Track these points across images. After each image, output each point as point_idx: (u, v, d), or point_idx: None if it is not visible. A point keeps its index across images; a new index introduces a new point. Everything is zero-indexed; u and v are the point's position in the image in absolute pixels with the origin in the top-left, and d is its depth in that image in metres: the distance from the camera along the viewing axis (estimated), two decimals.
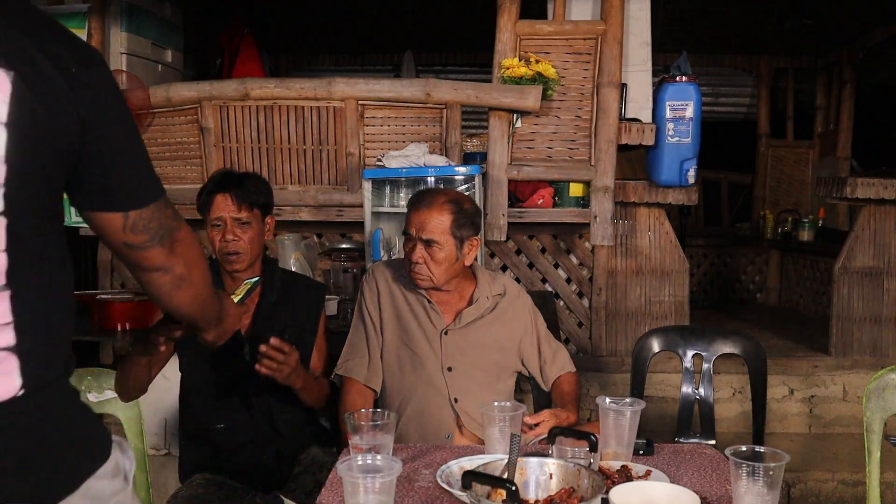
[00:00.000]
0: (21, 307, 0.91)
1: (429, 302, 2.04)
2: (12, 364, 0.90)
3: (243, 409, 2.00)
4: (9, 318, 0.89)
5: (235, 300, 1.54)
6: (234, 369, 1.97)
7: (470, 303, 2.06)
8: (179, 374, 2.09)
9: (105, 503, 1.00)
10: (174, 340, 1.47)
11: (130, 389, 1.77)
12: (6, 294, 0.89)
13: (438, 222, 1.94)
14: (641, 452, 1.62)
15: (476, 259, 2.10)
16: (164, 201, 1.06)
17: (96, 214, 1.00)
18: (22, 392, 0.91)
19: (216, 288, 1.27)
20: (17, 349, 0.91)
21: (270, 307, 2.06)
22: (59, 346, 0.97)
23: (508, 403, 1.63)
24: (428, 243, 1.94)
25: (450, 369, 2.01)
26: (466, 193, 3.21)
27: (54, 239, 0.96)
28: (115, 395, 1.77)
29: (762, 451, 1.29)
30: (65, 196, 1.00)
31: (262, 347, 1.80)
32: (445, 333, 2.02)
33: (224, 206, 1.99)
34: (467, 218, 1.98)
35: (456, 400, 2.00)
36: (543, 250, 3.70)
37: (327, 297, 2.96)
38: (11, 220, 0.88)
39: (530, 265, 3.70)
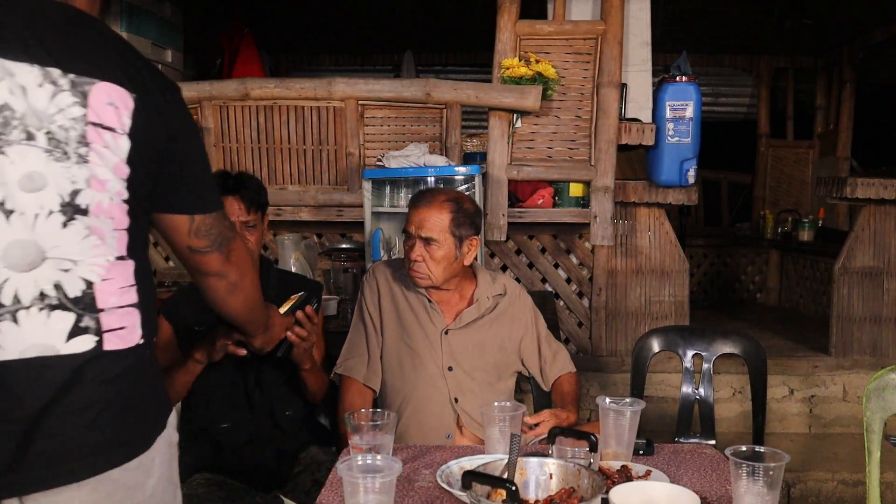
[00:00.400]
0: (137, 274, 1.13)
1: (429, 301, 2.04)
2: (136, 318, 1.12)
3: (245, 408, 2.00)
4: (132, 281, 1.12)
5: (282, 311, 1.70)
6: (236, 368, 1.99)
7: (470, 303, 2.06)
8: None
9: (168, 454, 1.18)
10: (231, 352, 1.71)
11: (175, 396, 1.83)
12: (130, 263, 1.12)
13: (437, 220, 1.94)
14: (641, 452, 1.62)
15: (476, 259, 2.10)
16: (222, 213, 1.26)
17: (166, 216, 1.19)
18: (142, 341, 1.13)
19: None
20: (139, 306, 1.13)
21: None
22: (154, 308, 1.18)
23: (508, 403, 1.63)
24: (427, 241, 1.94)
25: (450, 369, 2.01)
26: (467, 192, 3.22)
27: (147, 226, 1.18)
28: None
29: (762, 451, 1.29)
30: None
31: (299, 314, 1.82)
32: (446, 333, 2.03)
33: (233, 210, 1.99)
34: (467, 217, 1.98)
35: (456, 400, 2.00)
36: (543, 250, 3.70)
37: (328, 296, 2.97)
38: (131, 208, 1.11)
39: (530, 265, 3.70)
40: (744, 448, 1.30)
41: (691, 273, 4.93)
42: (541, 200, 3.60)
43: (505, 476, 1.26)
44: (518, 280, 3.67)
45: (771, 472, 1.25)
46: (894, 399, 1.69)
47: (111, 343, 1.08)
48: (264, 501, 1.96)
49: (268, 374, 2.02)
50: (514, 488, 1.15)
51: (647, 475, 1.46)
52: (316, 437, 2.13)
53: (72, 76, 1.03)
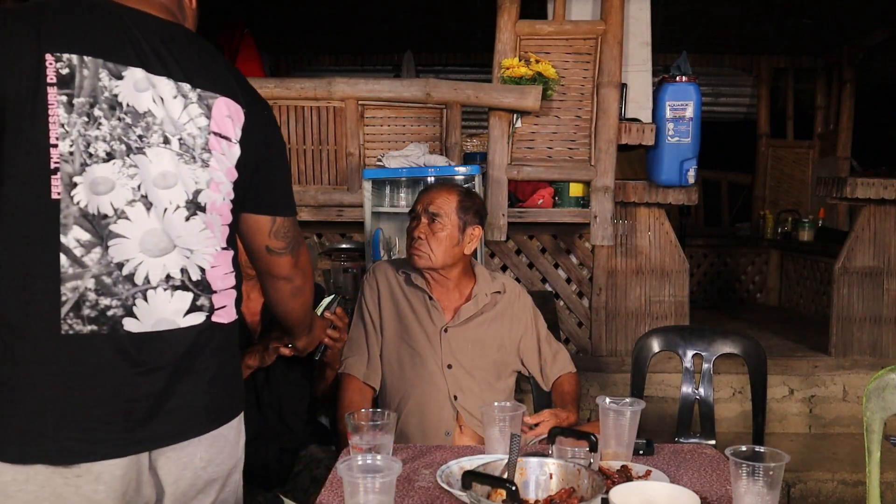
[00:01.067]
0: (233, 262, 1.30)
1: (430, 299, 2.04)
2: (234, 298, 1.30)
3: (254, 406, 2.01)
4: (231, 268, 1.29)
5: (319, 312, 1.82)
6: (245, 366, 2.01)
7: (468, 299, 2.07)
8: None
9: (241, 426, 1.35)
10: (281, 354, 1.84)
11: None
12: (230, 252, 1.30)
13: (446, 199, 2.01)
14: (641, 452, 1.62)
15: (476, 258, 2.11)
16: (296, 219, 1.42)
17: (252, 216, 1.35)
18: (237, 318, 1.31)
19: None
20: (236, 288, 1.31)
21: None
22: (241, 290, 1.34)
23: (508, 403, 1.63)
24: (432, 217, 1.99)
25: (449, 367, 2.02)
26: None
27: (239, 220, 1.34)
28: None
29: (762, 451, 1.29)
30: None
31: (329, 316, 1.90)
32: (445, 331, 2.03)
33: None
34: (473, 204, 2.05)
35: (456, 397, 2.01)
36: (543, 250, 3.70)
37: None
38: (234, 207, 1.29)
39: (530, 265, 3.70)
40: (744, 448, 1.30)
41: (691, 273, 4.93)
42: (541, 200, 3.60)
43: (505, 476, 1.26)
44: (518, 280, 3.68)
45: (771, 472, 1.25)
46: (894, 399, 1.69)
47: (218, 318, 1.26)
48: (265, 500, 1.96)
49: (276, 373, 2.03)
50: (514, 488, 1.15)
51: (647, 475, 1.46)
52: (316, 435, 2.14)
53: (199, 90, 1.21)
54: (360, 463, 1.24)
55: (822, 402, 3.72)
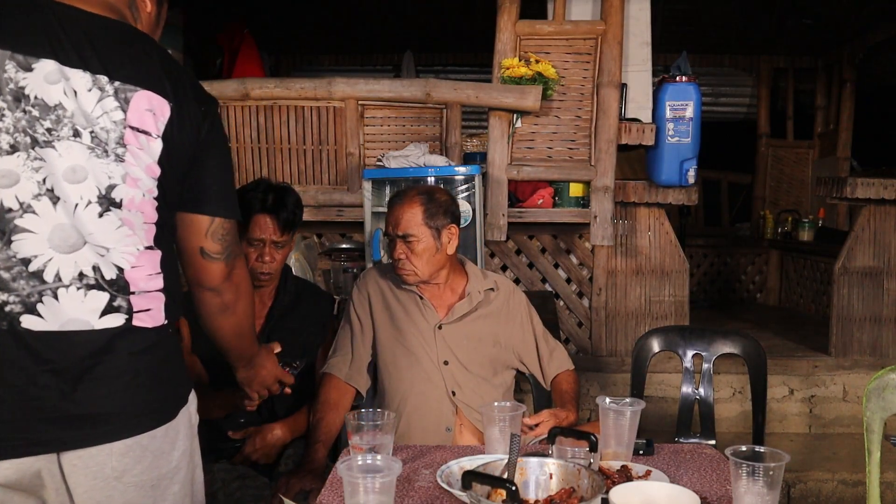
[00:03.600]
0: (163, 263, 1.25)
1: (420, 298, 2.05)
2: (162, 301, 1.24)
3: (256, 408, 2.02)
4: (159, 269, 1.24)
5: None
6: None
7: (462, 297, 2.08)
8: None
9: (189, 431, 1.30)
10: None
11: None
12: (157, 253, 1.24)
13: (410, 216, 1.99)
14: (641, 452, 1.62)
15: (477, 258, 2.11)
16: (237, 226, 1.36)
17: (188, 215, 1.30)
18: (165, 322, 1.25)
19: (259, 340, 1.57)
20: (165, 291, 1.25)
21: (282, 310, 2.11)
22: (178, 294, 1.30)
23: (508, 403, 1.63)
24: (405, 238, 1.99)
25: (446, 363, 2.03)
26: (467, 192, 3.22)
27: (172, 220, 1.29)
28: None
29: (762, 451, 1.29)
30: None
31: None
32: (440, 328, 2.04)
33: (266, 229, 2.02)
34: (439, 207, 2.01)
35: (454, 393, 2.01)
36: (543, 250, 3.70)
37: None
38: (160, 204, 1.24)
39: (530, 265, 3.70)
40: (744, 448, 1.30)
41: (691, 273, 4.92)
42: (541, 200, 3.60)
43: (505, 476, 1.26)
44: (518, 280, 3.68)
45: (771, 472, 1.25)
46: (894, 399, 1.69)
47: (139, 321, 1.21)
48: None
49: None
50: (514, 488, 1.15)
51: (647, 475, 1.46)
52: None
53: (117, 83, 1.17)
54: (360, 463, 1.24)
55: (822, 402, 3.72)
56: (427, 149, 3.43)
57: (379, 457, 1.28)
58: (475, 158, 3.89)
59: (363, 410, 1.52)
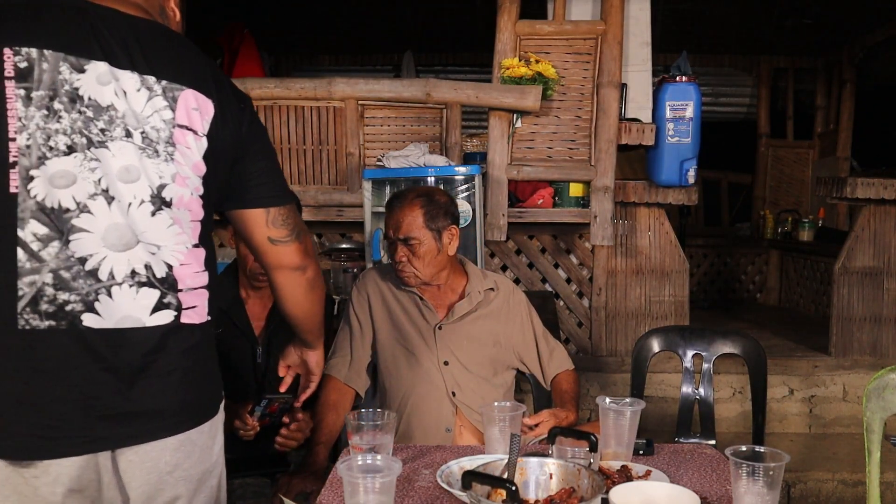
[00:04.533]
0: (206, 261, 1.28)
1: (420, 299, 2.05)
2: (206, 298, 1.27)
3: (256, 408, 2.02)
4: (203, 266, 1.27)
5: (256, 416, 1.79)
6: (247, 370, 2.06)
7: (462, 297, 2.08)
8: None
9: (216, 432, 1.31)
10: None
11: None
12: (202, 251, 1.27)
13: (411, 219, 1.98)
14: (641, 452, 1.62)
15: (477, 258, 2.11)
16: (296, 207, 1.39)
17: (243, 212, 1.34)
18: (208, 319, 1.28)
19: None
20: (208, 288, 1.28)
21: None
22: (217, 291, 1.32)
23: (508, 403, 1.63)
24: (406, 241, 1.98)
25: (446, 363, 2.03)
26: (467, 192, 3.22)
27: (212, 218, 1.32)
28: None
29: (762, 451, 1.29)
30: None
31: (293, 427, 1.87)
32: (440, 328, 2.04)
33: None
34: (439, 209, 2.01)
35: (454, 393, 2.01)
36: (543, 250, 3.70)
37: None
38: (205, 202, 1.27)
39: (530, 265, 3.70)
40: (744, 448, 1.30)
41: (691, 273, 4.92)
42: (541, 200, 3.60)
43: (505, 476, 1.26)
44: (518, 280, 3.68)
45: (771, 472, 1.25)
46: (894, 399, 1.69)
47: (187, 318, 1.23)
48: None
49: (273, 372, 2.06)
50: (514, 488, 1.15)
51: (647, 475, 1.46)
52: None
53: (164, 83, 1.19)
54: (360, 463, 1.24)
55: (822, 402, 3.72)
56: (427, 149, 3.43)
57: (379, 457, 1.28)
58: (475, 158, 3.89)
59: (363, 410, 1.52)
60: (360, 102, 3.53)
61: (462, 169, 3.25)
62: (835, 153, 5.88)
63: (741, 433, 3.52)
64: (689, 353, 2.40)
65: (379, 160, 3.47)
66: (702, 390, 2.38)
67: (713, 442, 2.30)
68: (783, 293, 5.74)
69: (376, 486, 1.20)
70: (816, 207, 5.66)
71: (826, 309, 4.33)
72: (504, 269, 3.69)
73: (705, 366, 2.38)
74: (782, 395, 3.71)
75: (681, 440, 2.34)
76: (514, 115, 3.52)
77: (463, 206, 3.20)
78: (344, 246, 3.46)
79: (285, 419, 1.86)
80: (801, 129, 6.28)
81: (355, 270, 3.16)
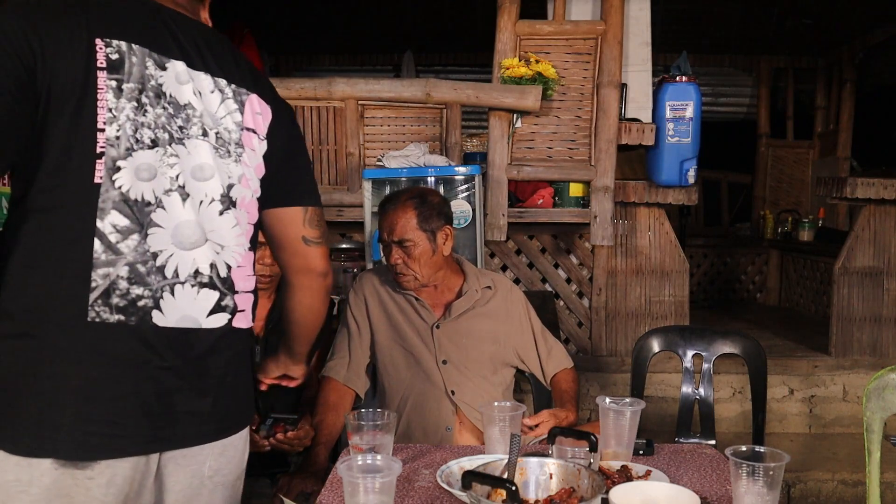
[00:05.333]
0: (253, 264, 1.29)
1: (416, 299, 2.06)
2: (251, 302, 1.28)
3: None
4: (252, 271, 1.28)
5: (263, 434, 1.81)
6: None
7: (459, 295, 2.08)
8: None
9: (247, 437, 1.33)
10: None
11: None
12: (252, 254, 1.29)
13: (405, 221, 1.98)
14: (641, 452, 1.62)
15: (477, 258, 2.11)
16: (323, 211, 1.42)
17: (281, 210, 1.35)
18: (252, 325, 1.29)
19: None
20: (253, 293, 1.29)
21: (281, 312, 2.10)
22: (257, 298, 1.33)
23: (508, 403, 1.63)
24: (401, 244, 1.98)
25: (444, 362, 2.03)
26: (467, 192, 3.22)
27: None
28: None
29: (762, 451, 1.29)
30: None
31: (291, 435, 1.85)
32: (437, 327, 2.04)
33: None
34: (433, 209, 2.00)
35: (453, 392, 2.01)
36: (543, 250, 3.70)
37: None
38: (260, 205, 1.30)
39: (530, 265, 3.70)
40: (744, 448, 1.29)
41: (691, 273, 4.93)
42: (541, 200, 3.60)
43: (505, 476, 1.26)
44: (518, 280, 3.68)
45: (771, 472, 1.25)
46: (894, 399, 1.69)
47: (237, 322, 1.24)
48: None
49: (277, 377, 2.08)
50: (514, 488, 1.15)
51: (647, 475, 1.46)
52: None
53: (234, 87, 1.24)
54: (360, 463, 1.24)
55: (822, 402, 3.72)
56: (427, 149, 3.43)
57: (379, 457, 1.28)
58: (475, 158, 3.89)
59: (363, 410, 1.52)
60: (360, 102, 3.53)
61: (462, 169, 3.25)
62: (835, 153, 5.88)
63: (741, 433, 3.52)
64: (689, 353, 2.40)
65: (379, 160, 3.47)
66: (702, 390, 2.38)
67: (713, 442, 2.30)
68: (783, 293, 5.74)
69: (376, 486, 1.20)
70: (816, 207, 5.66)
71: (826, 309, 4.33)
72: (504, 269, 3.68)
73: (705, 366, 2.38)
74: (782, 395, 3.71)
75: (681, 440, 2.34)
76: (514, 115, 3.52)
77: (463, 206, 3.20)
78: (344, 246, 3.46)
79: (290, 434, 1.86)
80: (801, 129, 6.29)
81: (355, 270, 3.16)
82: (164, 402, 1.13)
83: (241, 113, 1.24)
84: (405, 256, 1.99)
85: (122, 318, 1.10)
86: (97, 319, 1.08)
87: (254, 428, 1.79)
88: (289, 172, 1.35)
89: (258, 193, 1.28)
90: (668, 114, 3.54)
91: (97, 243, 1.08)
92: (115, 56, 1.09)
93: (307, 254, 1.37)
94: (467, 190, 3.22)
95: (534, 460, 1.34)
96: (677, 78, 3.57)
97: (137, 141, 1.11)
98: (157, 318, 1.12)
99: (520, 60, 3.44)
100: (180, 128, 1.16)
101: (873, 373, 1.85)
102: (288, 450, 1.89)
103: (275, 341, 2.06)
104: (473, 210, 3.20)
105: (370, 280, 2.14)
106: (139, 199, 1.11)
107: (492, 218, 3.49)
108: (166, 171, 1.14)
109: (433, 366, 2.03)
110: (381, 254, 2.09)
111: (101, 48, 1.08)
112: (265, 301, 2.11)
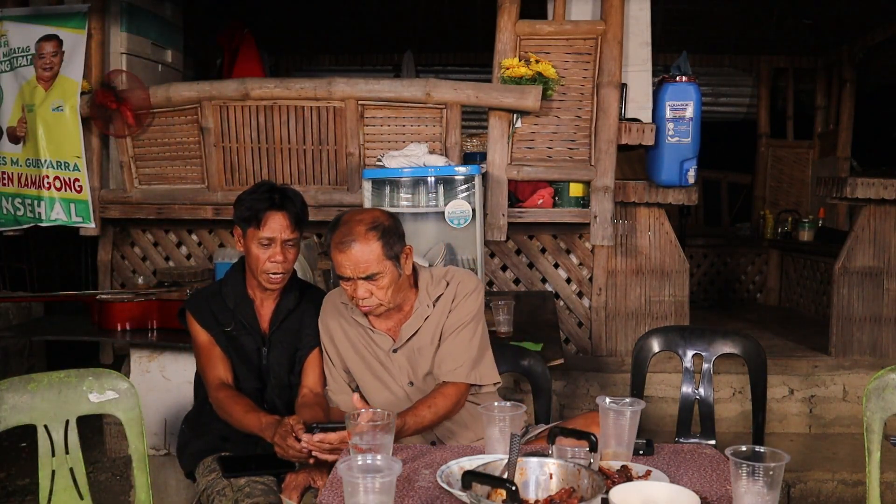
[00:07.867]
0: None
1: (371, 329, 1.97)
2: None
3: (259, 404, 2.04)
4: None
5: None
6: (253, 367, 2.09)
7: (409, 317, 1.97)
8: (183, 374, 2.11)
9: None
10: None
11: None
12: None
13: (369, 254, 1.83)
14: (641, 452, 1.62)
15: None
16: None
17: None
18: None
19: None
20: None
21: (286, 312, 2.12)
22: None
23: (509, 404, 1.62)
24: (369, 278, 1.85)
25: (411, 384, 1.98)
26: (467, 192, 3.21)
27: None
28: (116, 395, 1.77)
29: (762, 451, 1.29)
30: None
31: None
32: (395, 351, 1.97)
33: (279, 227, 1.98)
34: (392, 234, 1.87)
35: None
36: (543, 250, 3.70)
37: None
38: None
39: (530, 265, 3.70)
40: (744, 448, 1.29)
41: (691, 273, 4.92)
42: (541, 200, 3.60)
43: (505, 476, 1.26)
44: (518, 280, 3.68)
45: (771, 472, 1.25)
46: (894, 399, 1.69)
47: None
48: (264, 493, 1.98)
49: (274, 376, 2.12)
50: (514, 488, 1.15)
51: (647, 475, 1.46)
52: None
53: None
54: (360, 463, 1.24)
55: (822, 402, 3.72)
56: (427, 149, 3.43)
57: (379, 457, 1.28)
58: (475, 158, 3.89)
59: (363, 410, 1.52)
60: (360, 102, 3.53)
61: (462, 169, 3.25)
62: (835, 153, 5.88)
63: (741, 433, 3.52)
64: (689, 353, 2.40)
65: (379, 160, 3.47)
66: (702, 390, 2.38)
67: (713, 442, 2.30)
68: (783, 293, 5.74)
69: (376, 486, 1.20)
70: (816, 207, 5.66)
71: (826, 309, 4.33)
72: (504, 269, 3.69)
73: (705, 366, 2.38)
74: (782, 395, 3.71)
75: (681, 440, 2.34)
76: (514, 115, 3.52)
77: (463, 206, 3.20)
78: None
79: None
80: (801, 129, 6.28)
81: None
82: None
83: None
84: (373, 288, 1.87)
85: None
86: None
87: (298, 438, 1.74)
88: None
89: None
90: (668, 114, 3.54)
91: None
92: None
93: None
94: (467, 190, 3.22)
95: (534, 460, 1.34)
96: (677, 78, 3.57)
97: None
98: None
99: (520, 60, 3.44)
100: None
101: (873, 373, 1.85)
102: (330, 459, 1.84)
103: (278, 341, 2.07)
104: (473, 210, 3.20)
105: (331, 306, 2.05)
106: None
107: (492, 218, 3.49)
108: None
109: (399, 389, 1.98)
110: (343, 288, 1.96)
111: None
112: (270, 302, 2.11)
